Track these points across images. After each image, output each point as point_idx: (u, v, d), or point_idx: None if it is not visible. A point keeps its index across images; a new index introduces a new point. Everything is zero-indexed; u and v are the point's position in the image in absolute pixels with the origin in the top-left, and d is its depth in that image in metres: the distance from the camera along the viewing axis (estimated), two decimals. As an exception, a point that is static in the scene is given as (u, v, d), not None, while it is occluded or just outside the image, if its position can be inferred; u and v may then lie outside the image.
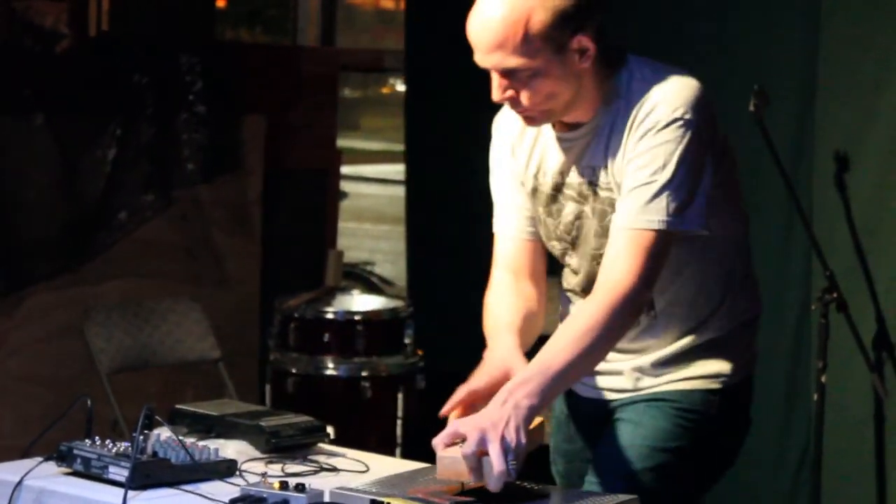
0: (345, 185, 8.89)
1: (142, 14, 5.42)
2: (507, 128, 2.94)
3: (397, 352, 5.30)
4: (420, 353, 5.34)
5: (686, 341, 2.86)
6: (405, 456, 4.63)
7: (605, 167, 2.77)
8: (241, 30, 6.63)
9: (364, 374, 5.23)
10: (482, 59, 2.75)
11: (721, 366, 2.87)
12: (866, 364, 4.42)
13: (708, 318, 2.87)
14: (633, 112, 2.73)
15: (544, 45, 2.68)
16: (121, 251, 5.39)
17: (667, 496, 2.78)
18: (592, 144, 2.79)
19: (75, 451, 2.71)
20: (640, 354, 2.88)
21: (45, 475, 2.72)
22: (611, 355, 2.86)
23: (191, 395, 5.34)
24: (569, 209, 2.85)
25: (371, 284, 7.49)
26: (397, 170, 8.73)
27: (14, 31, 5.06)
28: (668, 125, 2.71)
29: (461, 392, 2.72)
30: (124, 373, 4.93)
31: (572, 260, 2.90)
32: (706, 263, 2.84)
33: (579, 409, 3.00)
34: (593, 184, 2.80)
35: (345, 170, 7.79)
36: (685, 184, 2.71)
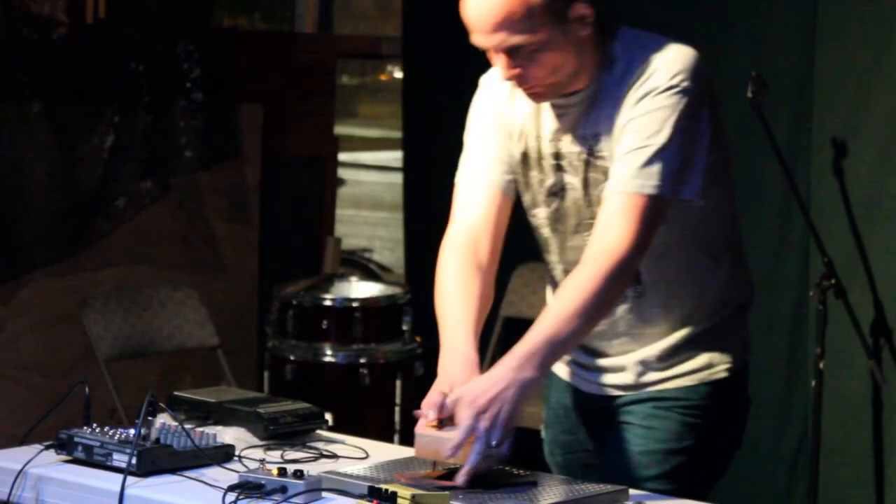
0: (342, 172, 8.88)
1: (139, 1, 5.41)
2: (499, 86, 2.89)
3: (395, 338, 5.31)
4: (418, 339, 5.35)
5: (683, 332, 2.84)
6: (403, 442, 4.64)
7: (607, 134, 2.74)
8: (239, 17, 6.61)
9: (362, 360, 5.23)
10: (483, 39, 2.72)
11: (721, 356, 2.87)
12: (864, 350, 4.42)
13: (700, 301, 2.84)
14: (632, 76, 2.71)
15: (545, 17, 2.66)
16: (118, 238, 5.39)
17: (684, 494, 2.76)
18: (591, 112, 2.76)
19: (76, 439, 2.71)
20: (640, 346, 2.86)
21: (44, 463, 2.72)
22: (612, 350, 2.86)
23: (189, 382, 5.34)
24: (559, 181, 2.82)
25: (369, 271, 7.49)
26: (395, 157, 8.72)
27: (11, 19, 5.05)
28: (665, 90, 2.68)
29: (434, 397, 2.65)
30: (122, 360, 4.93)
31: (550, 235, 2.87)
32: (694, 240, 2.82)
33: (580, 402, 2.98)
34: (591, 153, 2.77)
35: (342, 157, 7.77)
36: (681, 150, 2.68)
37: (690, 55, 2.74)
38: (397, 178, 6.75)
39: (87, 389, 2.78)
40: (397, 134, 6.66)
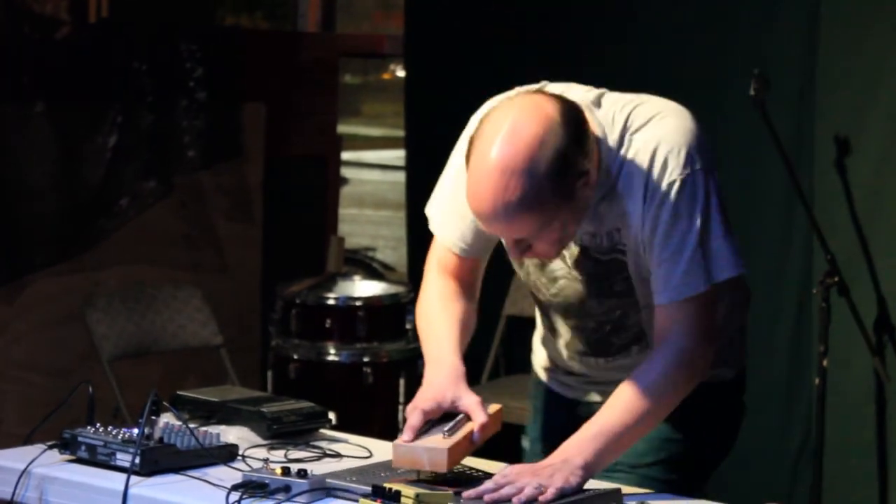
0: (345, 171, 8.89)
1: (142, 1, 5.41)
2: None
3: (399, 337, 5.31)
4: (421, 338, 5.34)
5: None
6: (407, 441, 4.63)
7: (612, 233, 2.68)
8: (242, 16, 6.62)
9: (365, 359, 5.23)
10: (492, 230, 2.61)
11: (721, 363, 2.85)
12: (868, 348, 4.42)
13: None
14: (644, 168, 2.61)
15: (554, 203, 2.53)
16: (122, 238, 5.39)
17: (674, 486, 2.77)
18: (597, 210, 2.66)
19: (79, 439, 2.71)
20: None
21: (48, 462, 2.72)
22: (604, 377, 2.86)
23: (192, 381, 5.34)
24: (561, 270, 2.77)
25: (372, 270, 7.48)
26: (398, 155, 8.73)
27: (14, 19, 5.05)
28: (683, 185, 2.60)
29: (415, 417, 2.63)
30: (126, 359, 4.94)
31: (551, 309, 2.85)
32: None
33: (582, 415, 2.97)
34: (597, 249, 2.71)
35: (345, 156, 7.79)
36: (716, 233, 2.63)
37: (685, 124, 2.65)
38: (400, 177, 6.76)
39: (90, 389, 2.78)
40: (400, 132, 6.66)
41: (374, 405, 5.25)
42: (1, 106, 5.05)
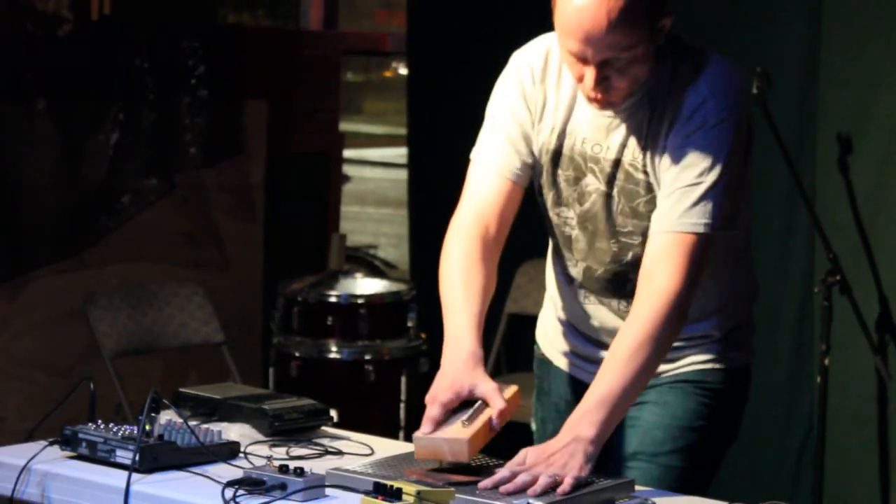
0: (347, 169, 8.89)
1: (143, -2, 5.42)
2: (532, 71, 2.82)
3: (400, 335, 5.31)
4: (423, 336, 5.35)
5: (700, 326, 2.85)
6: (408, 439, 4.63)
7: (644, 149, 2.72)
8: (244, 13, 6.61)
9: (367, 357, 5.23)
10: (580, 48, 2.62)
11: (735, 345, 2.90)
12: (869, 346, 4.42)
13: (718, 301, 2.87)
14: (681, 102, 2.67)
15: (644, 30, 2.61)
16: (123, 235, 5.39)
17: (692, 474, 2.79)
18: (633, 122, 2.73)
19: (80, 435, 2.71)
20: None
21: (49, 459, 2.73)
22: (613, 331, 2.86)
23: (194, 378, 5.35)
24: (592, 184, 2.80)
25: (374, 268, 7.49)
26: (400, 153, 8.72)
27: (16, 16, 5.05)
28: (716, 125, 2.66)
29: (434, 409, 2.64)
30: (128, 357, 4.94)
31: (578, 234, 2.85)
32: (718, 251, 2.79)
33: (583, 392, 2.98)
34: (631, 163, 2.74)
35: (347, 153, 7.78)
36: (730, 186, 2.67)
37: (737, 82, 2.72)
38: (402, 175, 6.75)
39: (91, 386, 2.78)
40: (402, 130, 6.66)
41: (376, 403, 5.25)
42: (3, 104, 5.05)
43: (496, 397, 2.66)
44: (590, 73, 2.64)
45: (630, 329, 2.66)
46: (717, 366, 2.88)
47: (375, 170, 14.18)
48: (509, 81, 2.86)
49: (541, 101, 2.82)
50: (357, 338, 5.24)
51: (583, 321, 2.94)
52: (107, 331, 4.85)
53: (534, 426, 3.12)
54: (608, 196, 2.78)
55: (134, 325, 4.93)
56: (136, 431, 2.66)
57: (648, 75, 2.68)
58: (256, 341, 5.75)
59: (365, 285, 5.53)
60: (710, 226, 2.66)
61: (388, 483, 2.41)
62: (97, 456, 2.69)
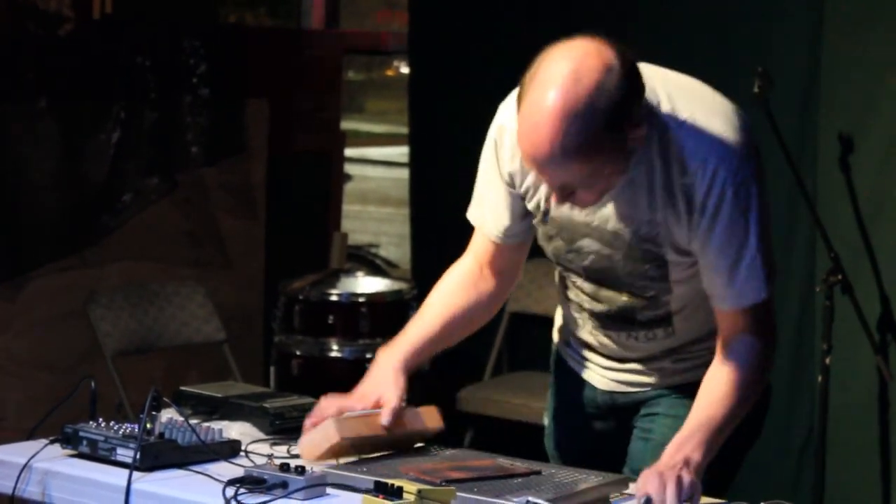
0: (349, 168, 8.89)
1: (145, -3, 5.42)
2: (513, 145, 2.69)
3: (402, 334, 5.31)
4: (424, 335, 5.34)
5: (709, 337, 2.80)
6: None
7: (651, 221, 2.64)
8: (245, 12, 6.62)
9: (368, 355, 5.23)
10: (540, 172, 2.54)
11: None
12: (871, 346, 4.42)
13: None
14: (691, 176, 2.57)
15: (609, 155, 2.50)
16: (125, 234, 5.40)
17: (711, 484, 2.71)
18: (627, 193, 2.63)
19: (81, 434, 2.71)
20: (667, 356, 2.86)
21: (50, 457, 2.72)
22: (638, 361, 2.86)
23: (195, 377, 5.35)
24: (591, 246, 2.73)
25: (375, 267, 7.49)
26: (401, 152, 8.73)
27: (17, 15, 5.06)
28: (735, 193, 2.57)
29: (330, 407, 2.73)
30: (129, 355, 4.94)
31: (580, 280, 2.81)
32: None
33: (596, 396, 2.97)
34: (638, 235, 2.67)
35: (349, 152, 7.79)
36: (767, 238, 2.63)
37: (736, 126, 2.62)
38: (403, 174, 6.75)
39: (92, 385, 2.78)
40: (403, 129, 6.66)
41: (377, 402, 5.24)
42: (4, 103, 5.05)
43: (394, 399, 2.74)
44: (551, 190, 2.58)
45: (728, 369, 2.64)
46: None
47: (377, 169, 14.18)
48: (487, 144, 2.79)
49: (518, 166, 2.73)
50: (358, 337, 5.24)
51: (585, 339, 2.93)
52: (108, 329, 4.85)
53: (546, 421, 3.11)
54: (610, 258, 2.73)
55: (135, 324, 4.93)
56: (136, 430, 2.66)
57: (624, 174, 2.57)
58: (258, 340, 5.75)
59: (366, 284, 5.54)
60: (767, 288, 2.64)
61: (389, 482, 2.41)
62: (98, 454, 2.69)
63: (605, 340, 2.88)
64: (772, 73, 4.22)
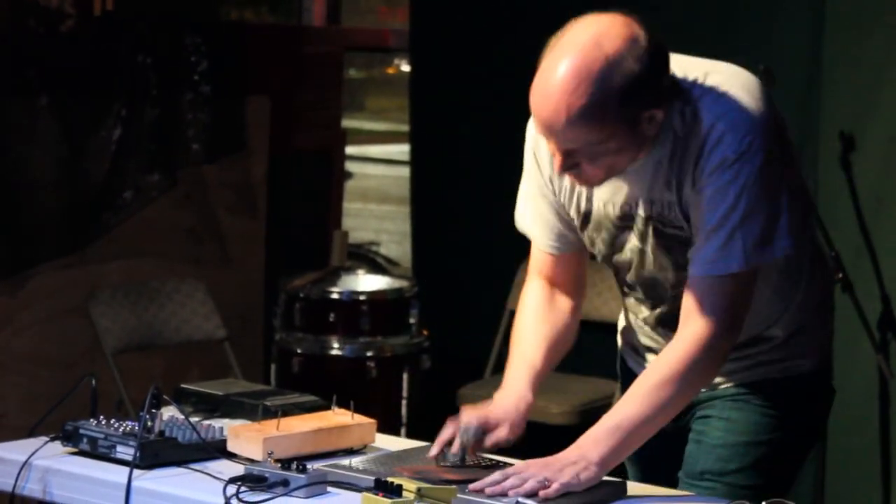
0: (350, 166, 8.89)
1: (146, -6, 5.42)
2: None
3: (402, 332, 5.31)
4: (425, 333, 5.35)
5: (764, 334, 2.77)
6: (410, 436, 4.64)
7: (678, 201, 2.62)
8: (246, 10, 6.62)
9: (369, 354, 5.23)
10: (547, 135, 2.53)
11: (801, 350, 2.81)
12: (871, 345, 4.42)
13: (781, 314, 2.77)
14: (700, 141, 2.55)
15: (616, 123, 2.48)
16: (126, 231, 5.40)
17: (764, 489, 2.68)
18: (657, 176, 2.61)
19: (81, 431, 2.71)
20: None
21: (50, 455, 2.72)
22: None
23: (196, 374, 5.35)
24: (631, 242, 2.71)
25: (376, 265, 7.48)
26: (402, 150, 8.72)
27: (18, 12, 5.05)
28: (736, 160, 2.53)
29: (447, 432, 2.70)
30: (129, 353, 4.94)
31: (632, 280, 2.79)
32: (778, 269, 2.71)
33: None
34: (661, 219, 2.65)
35: (350, 150, 7.78)
36: (761, 213, 2.55)
37: (754, 98, 2.59)
38: (404, 172, 6.75)
39: (93, 382, 2.78)
40: (404, 127, 6.66)
41: (378, 399, 5.24)
42: (5, 100, 5.05)
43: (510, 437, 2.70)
44: (557, 158, 2.56)
45: (658, 364, 2.61)
46: (779, 375, 2.78)
47: (378, 166, 14.17)
48: (526, 155, 2.78)
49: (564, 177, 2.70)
50: (359, 334, 5.24)
51: (642, 342, 2.91)
52: (108, 327, 4.86)
53: None
54: (645, 252, 2.70)
55: (135, 322, 4.93)
56: (137, 427, 2.66)
57: (633, 157, 2.56)
58: (258, 338, 5.75)
59: (367, 282, 5.54)
60: (745, 261, 2.56)
61: (390, 480, 2.41)
62: (98, 452, 2.69)
63: (662, 342, 2.83)
64: (773, 72, 4.21)
